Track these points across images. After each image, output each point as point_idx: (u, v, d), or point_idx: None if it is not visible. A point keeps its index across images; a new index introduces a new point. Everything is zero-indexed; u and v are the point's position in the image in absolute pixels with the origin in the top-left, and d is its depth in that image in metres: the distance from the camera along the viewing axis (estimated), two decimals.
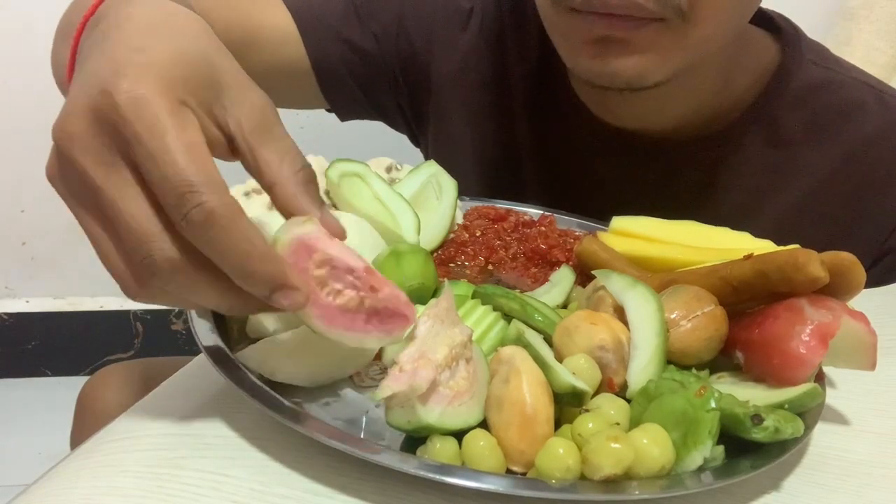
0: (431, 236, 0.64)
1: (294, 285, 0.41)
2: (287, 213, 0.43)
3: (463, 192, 0.69)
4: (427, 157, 0.91)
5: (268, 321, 0.50)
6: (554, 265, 0.63)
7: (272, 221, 0.54)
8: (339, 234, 0.44)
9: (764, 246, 0.60)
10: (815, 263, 0.46)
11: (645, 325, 0.47)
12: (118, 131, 0.38)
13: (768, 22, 0.79)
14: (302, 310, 0.42)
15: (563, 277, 0.60)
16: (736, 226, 0.63)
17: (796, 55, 0.76)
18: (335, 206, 0.62)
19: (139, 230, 0.38)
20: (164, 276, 0.39)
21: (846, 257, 0.48)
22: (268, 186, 0.43)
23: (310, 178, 0.43)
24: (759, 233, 0.62)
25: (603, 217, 0.69)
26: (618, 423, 0.43)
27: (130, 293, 0.40)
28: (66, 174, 0.40)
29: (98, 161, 0.38)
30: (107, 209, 0.39)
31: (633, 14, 0.59)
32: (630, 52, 0.62)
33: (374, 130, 0.96)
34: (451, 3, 0.83)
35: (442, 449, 0.41)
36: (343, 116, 0.89)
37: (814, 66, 0.76)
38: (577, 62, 0.65)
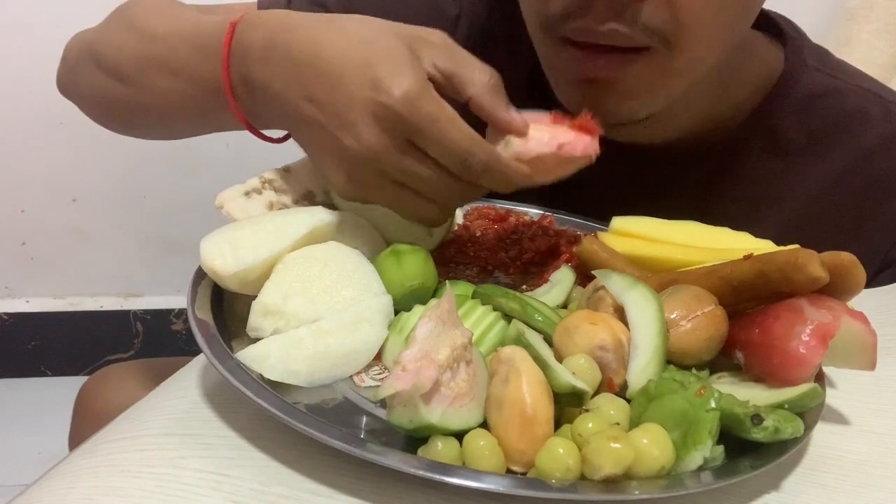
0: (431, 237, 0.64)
1: (533, 184, 0.57)
2: (484, 116, 0.56)
3: None
4: None
5: (267, 322, 0.50)
6: (554, 265, 0.63)
7: (272, 220, 0.55)
8: (524, 128, 0.56)
9: (764, 246, 0.60)
10: (815, 263, 0.46)
11: (645, 325, 0.47)
12: (403, 128, 0.52)
13: (772, 26, 0.78)
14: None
15: (563, 277, 0.60)
16: None
17: (799, 62, 0.75)
18: (336, 206, 0.62)
19: (442, 184, 0.54)
20: (463, 200, 0.58)
21: (846, 257, 0.48)
22: (467, 99, 0.55)
23: (498, 85, 0.56)
24: None
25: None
26: (618, 423, 0.43)
27: (433, 222, 0.58)
28: (361, 175, 0.54)
29: (394, 153, 0.52)
30: (408, 180, 0.54)
31: (620, 45, 0.59)
32: (619, 93, 0.63)
33: None
34: (436, 9, 0.81)
35: (444, 449, 0.41)
36: None
37: (817, 73, 0.75)
38: (567, 99, 0.66)
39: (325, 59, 0.53)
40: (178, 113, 0.68)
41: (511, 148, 0.56)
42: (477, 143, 0.53)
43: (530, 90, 0.80)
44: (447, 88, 0.55)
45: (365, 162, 0.53)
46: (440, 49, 0.55)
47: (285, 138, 0.63)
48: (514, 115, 0.56)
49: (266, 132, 0.63)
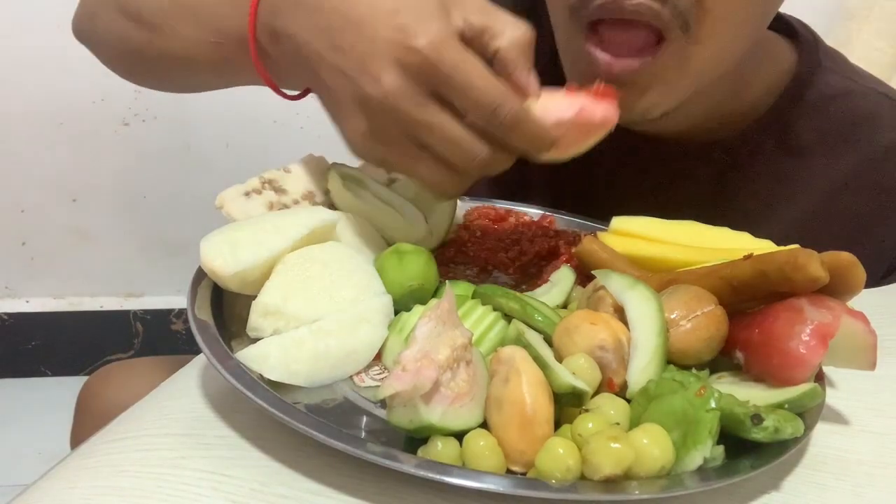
0: (431, 236, 0.64)
1: (559, 145, 0.54)
2: (506, 73, 0.53)
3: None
4: None
5: (267, 322, 0.50)
6: (554, 265, 0.63)
7: (272, 220, 0.55)
8: (537, 91, 0.55)
9: (764, 246, 0.60)
10: (815, 263, 0.46)
11: (645, 325, 0.47)
12: (427, 76, 0.50)
13: (786, 27, 0.78)
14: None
15: (563, 277, 0.60)
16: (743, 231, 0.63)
17: (813, 63, 0.75)
18: (336, 206, 0.62)
19: (466, 142, 0.52)
20: (486, 165, 0.53)
21: (846, 257, 0.48)
22: (494, 52, 0.53)
23: (527, 43, 0.54)
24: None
25: (609, 218, 0.69)
26: (618, 423, 0.43)
27: (449, 194, 0.56)
28: (382, 123, 0.52)
29: (416, 104, 0.51)
30: (429, 137, 0.52)
31: (644, 20, 0.60)
32: (634, 92, 0.63)
33: None
34: None
35: (444, 449, 0.41)
36: None
37: (831, 74, 0.76)
38: None
39: (354, 7, 0.52)
40: (198, 63, 0.68)
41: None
42: (506, 94, 0.51)
43: (546, 82, 0.80)
44: (476, 45, 0.53)
45: (386, 110, 0.51)
46: (473, 4, 0.54)
47: (302, 95, 0.63)
48: (533, 79, 0.54)
49: (286, 91, 0.63)
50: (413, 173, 0.55)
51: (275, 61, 0.60)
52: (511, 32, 0.53)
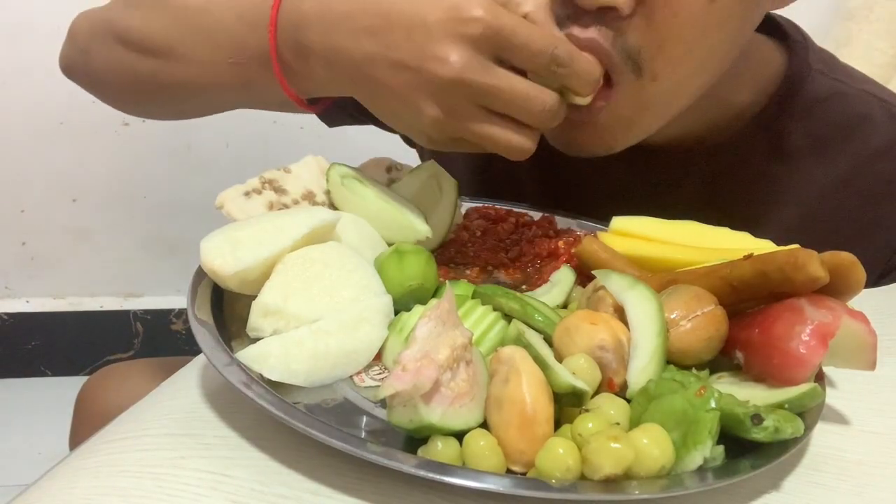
0: (432, 236, 0.64)
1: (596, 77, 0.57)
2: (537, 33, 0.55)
3: (462, 193, 0.69)
4: (423, 159, 0.91)
5: (267, 322, 0.50)
6: (554, 265, 0.63)
7: (272, 220, 0.55)
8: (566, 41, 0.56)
9: (764, 246, 0.60)
10: (815, 263, 0.46)
11: (645, 325, 0.47)
12: (491, 42, 0.52)
13: (776, 29, 0.77)
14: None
15: (563, 277, 0.60)
16: None
17: (803, 65, 0.74)
18: (336, 206, 0.62)
19: (534, 93, 0.54)
20: (555, 113, 0.56)
21: (846, 257, 0.48)
22: (523, 17, 0.55)
23: (547, 4, 0.57)
24: None
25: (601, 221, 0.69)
26: (618, 423, 0.43)
27: (526, 151, 0.57)
28: (456, 101, 0.54)
29: (485, 72, 0.53)
30: (501, 100, 0.54)
31: (600, 60, 0.58)
32: (593, 131, 0.63)
33: (374, 130, 0.96)
34: None
35: (444, 449, 0.41)
36: (331, 123, 0.88)
37: (821, 76, 0.75)
38: (551, 138, 0.66)
39: (392, 6, 0.54)
40: (217, 86, 0.67)
41: None
42: (557, 38, 0.55)
43: None
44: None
45: (457, 86, 0.53)
46: None
47: (324, 108, 0.63)
48: (559, 32, 0.57)
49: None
50: (489, 141, 0.56)
51: (302, 76, 0.60)
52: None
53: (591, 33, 0.57)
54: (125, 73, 0.72)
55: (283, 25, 0.59)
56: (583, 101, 0.58)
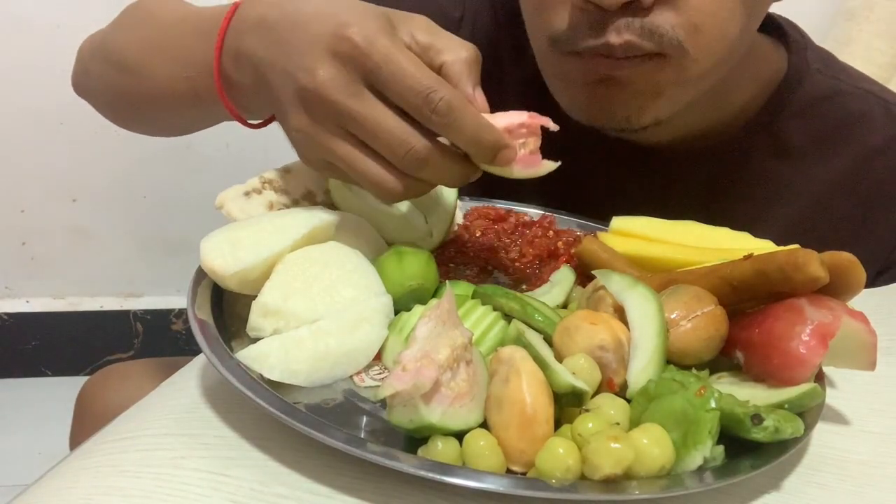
0: (432, 236, 0.64)
1: (509, 145, 0.52)
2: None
3: (462, 193, 0.69)
4: None
5: (267, 322, 0.50)
6: (554, 265, 0.63)
7: (272, 220, 0.54)
8: (484, 107, 0.53)
9: (764, 246, 0.60)
10: (815, 263, 0.46)
11: (645, 325, 0.47)
12: (359, 64, 0.49)
13: (775, 28, 0.78)
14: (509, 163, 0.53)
15: (563, 277, 0.60)
16: None
17: (802, 64, 0.75)
18: (336, 206, 0.62)
19: (399, 132, 0.50)
20: (422, 161, 0.51)
21: (846, 257, 0.48)
22: (439, 67, 0.52)
23: (474, 62, 0.53)
24: None
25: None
26: (618, 423, 0.43)
27: (391, 193, 0.52)
28: (319, 116, 0.51)
29: (349, 93, 0.50)
30: (363, 128, 0.50)
31: (637, 55, 0.60)
32: (629, 92, 0.62)
33: None
34: (439, 10, 0.81)
35: (444, 449, 0.41)
36: None
37: (820, 75, 0.75)
38: (573, 103, 0.66)
39: (300, 14, 0.52)
40: (176, 101, 0.67)
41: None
42: (441, 81, 0.50)
43: (535, 98, 0.80)
44: (423, 60, 0.52)
45: (319, 99, 0.50)
46: (421, 24, 0.54)
47: (266, 123, 0.62)
48: (479, 94, 0.53)
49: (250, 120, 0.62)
50: (354, 171, 0.52)
51: (239, 88, 0.59)
52: (457, 49, 0.53)
53: (626, 36, 0.58)
54: (110, 88, 0.74)
55: (229, 34, 0.58)
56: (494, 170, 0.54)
